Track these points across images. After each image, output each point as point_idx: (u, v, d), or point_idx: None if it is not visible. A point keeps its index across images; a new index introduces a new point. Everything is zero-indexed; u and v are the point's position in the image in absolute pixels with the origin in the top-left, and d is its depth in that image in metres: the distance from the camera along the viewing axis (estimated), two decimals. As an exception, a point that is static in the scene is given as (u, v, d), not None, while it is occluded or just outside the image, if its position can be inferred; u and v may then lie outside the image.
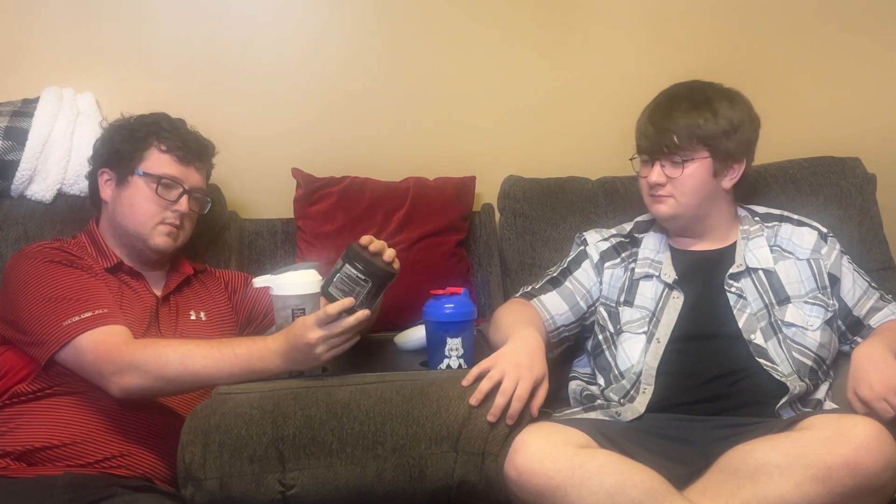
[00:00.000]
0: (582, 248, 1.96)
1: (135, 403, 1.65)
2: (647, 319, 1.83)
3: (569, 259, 1.97)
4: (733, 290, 1.82)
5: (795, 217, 1.95)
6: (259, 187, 2.29)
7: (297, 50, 2.33)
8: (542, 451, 1.46)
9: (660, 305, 1.84)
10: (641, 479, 1.42)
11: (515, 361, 1.55)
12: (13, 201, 2.05)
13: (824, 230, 1.92)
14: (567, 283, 1.92)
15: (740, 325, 1.78)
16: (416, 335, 1.83)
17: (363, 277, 1.56)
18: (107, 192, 1.82)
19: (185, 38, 2.26)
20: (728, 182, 1.86)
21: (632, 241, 1.95)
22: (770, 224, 1.92)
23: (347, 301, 1.53)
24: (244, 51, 2.30)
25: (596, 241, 1.96)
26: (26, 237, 1.99)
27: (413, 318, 1.85)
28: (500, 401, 1.50)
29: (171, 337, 1.75)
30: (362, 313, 1.53)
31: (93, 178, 1.86)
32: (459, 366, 1.65)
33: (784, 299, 1.81)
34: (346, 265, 1.56)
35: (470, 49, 2.38)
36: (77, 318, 1.60)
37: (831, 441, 1.42)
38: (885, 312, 1.88)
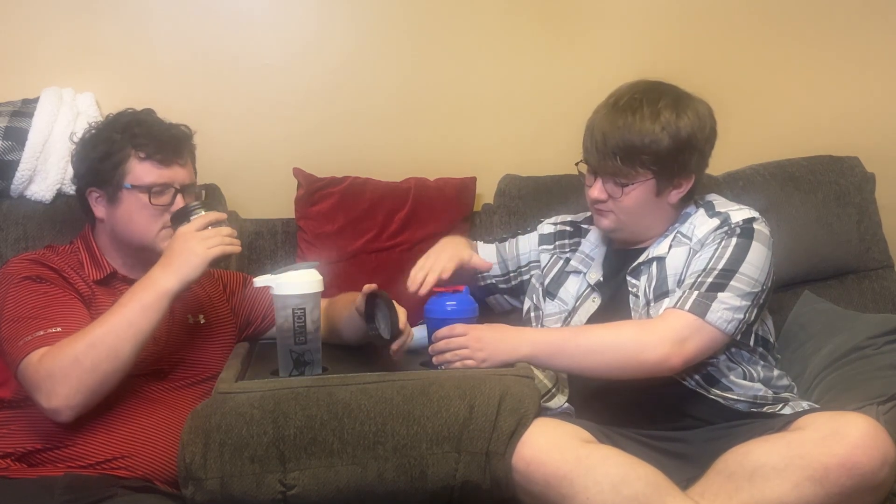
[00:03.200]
0: (537, 224, 2.02)
1: (135, 404, 1.66)
2: (564, 316, 1.84)
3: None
4: (632, 288, 1.78)
5: (732, 210, 1.78)
6: (259, 187, 2.29)
7: (298, 50, 2.33)
8: (549, 443, 1.47)
9: (577, 303, 1.84)
10: (645, 473, 1.44)
11: (439, 249, 1.82)
12: (13, 201, 2.05)
13: (735, 221, 1.74)
14: (506, 244, 2.00)
15: None
16: (417, 335, 1.83)
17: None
18: (100, 210, 1.79)
19: (185, 38, 2.26)
20: (675, 197, 1.77)
21: (577, 231, 1.95)
22: (708, 211, 1.80)
23: (216, 215, 1.65)
24: (245, 50, 2.30)
25: (546, 222, 2.00)
26: (26, 237, 1.99)
27: (414, 318, 1.85)
28: (417, 273, 1.76)
29: (164, 342, 1.74)
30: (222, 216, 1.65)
31: (82, 197, 1.82)
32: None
33: (662, 294, 1.74)
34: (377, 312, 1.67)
35: (471, 49, 2.38)
36: (29, 338, 1.57)
37: (827, 441, 1.42)
38: (675, 297, 1.70)
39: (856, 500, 1.43)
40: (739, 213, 1.76)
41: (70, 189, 2.05)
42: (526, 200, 2.22)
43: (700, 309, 1.64)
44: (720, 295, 1.65)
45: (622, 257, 1.83)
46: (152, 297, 1.57)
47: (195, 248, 1.58)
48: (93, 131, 1.82)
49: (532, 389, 1.56)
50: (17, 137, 2.02)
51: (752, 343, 1.74)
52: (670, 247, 1.77)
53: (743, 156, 2.41)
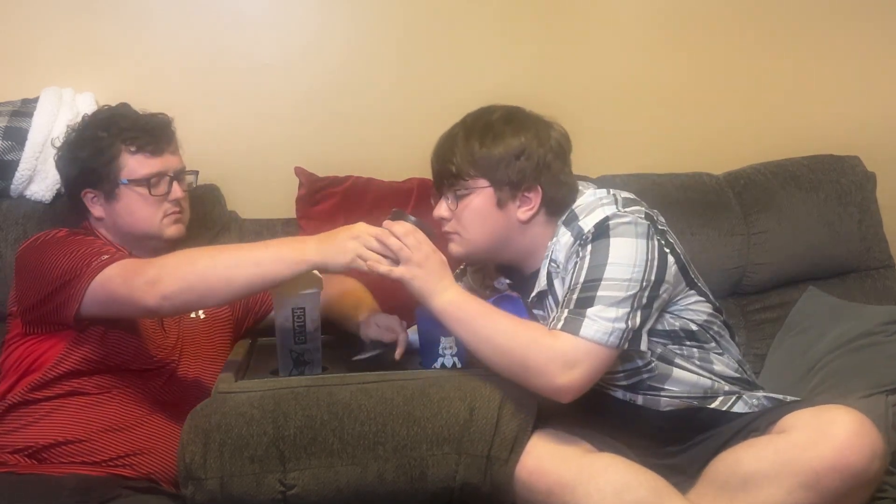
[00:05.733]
0: None
1: (139, 403, 1.67)
2: None
3: None
4: (541, 321, 1.66)
5: (586, 217, 1.63)
6: (260, 187, 2.29)
7: (299, 49, 2.33)
8: (552, 453, 1.48)
9: None
10: (647, 479, 1.45)
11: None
12: (13, 201, 2.05)
13: (587, 230, 1.59)
14: (466, 277, 1.93)
15: None
16: (415, 335, 1.83)
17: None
18: (98, 209, 1.81)
19: (185, 38, 2.26)
20: (524, 213, 1.65)
21: None
22: (569, 224, 1.66)
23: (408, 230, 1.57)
24: (245, 50, 2.29)
25: None
26: (26, 237, 1.97)
27: (413, 320, 1.85)
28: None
29: (175, 335, 1.77)
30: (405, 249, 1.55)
31: (76, 200, 1.83)
32: (454, 364, 1.65)
33: None
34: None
35: (473, 48, 2.38)
36: (106, 257, 1.60)
37: (814, 444, 1.41)
38: (550, 320, 1.57)
39: (850, 497, 1.42)
40: (591, 218, 1.61)
41: (70, 189, 2.05)
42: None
43: (573, 326, 1.50)
44: (589, 311, 1.51)
45: (521, 280, 1.75)
46: (291, 255, 1.52)
47: (350, 250, 1.52)
48: (74, 134, 1.84)
49: (532, 394, 1.56)
50: (17, 137, 2.01)
51: (669, 341, 1.65)
52: (549, 277, 1.66)
53: (744, 155, 2.41)
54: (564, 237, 1.64)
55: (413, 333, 1.79)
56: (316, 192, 2.19)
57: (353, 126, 2.34)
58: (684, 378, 1.64)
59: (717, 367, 1.68)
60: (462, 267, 1.96)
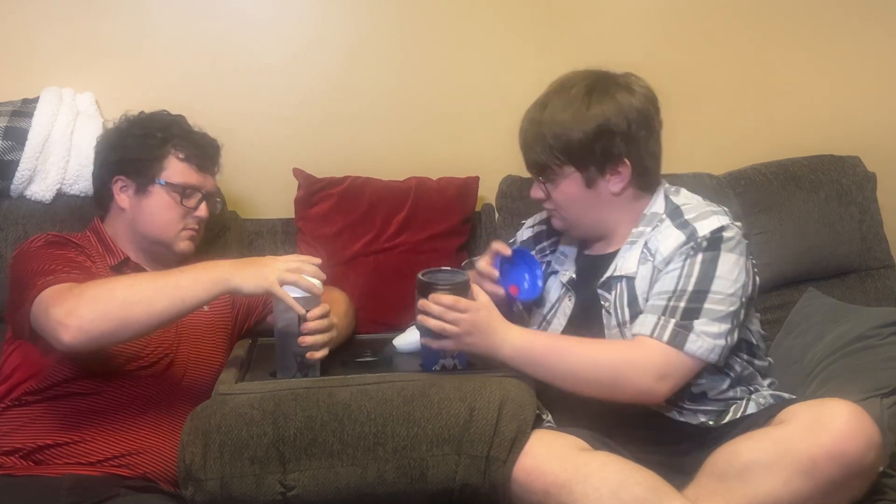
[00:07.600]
0: (517, 232, 1.97)
1: (137, 402, 1.67)
2: (539, 321, 1.80)
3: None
4: (604, 303, 1.71)
5: (700, 220, 1.66)
6: (259, 187, 2.29)
7: (299, 49, 2.33)
8: (549, 453, 1.48)
9: (554, 308, 1.79)
10: (644, 478, 1.45)
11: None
12: (13, 201, 2.05)
13: (702, 235, 1.61)
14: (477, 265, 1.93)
15: None
16: (415, 336, 1.83)
17: None
18: (124, 200, 1.82)
19: (185, 38, 2.26)
20: (616, 186, 1.67)
21: (554, 229, 1.85)
22: (675, 220, 1.68)
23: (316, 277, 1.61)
24: (245, 50, 2.29)
25: (525, 227, 1.95)
26: (26, 237, 1.97)
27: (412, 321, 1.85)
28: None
29: (174, 331, 1.77)
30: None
31: (104, 184, 1.84)
32: (454, 366, 1.65)
33: (635, 314, 1.65)
34: None
35: (473, 48, 2.38)
36: (51, 277, 1.59)
37: (811, 433, 1.42)
38: (649, 322, 1.60)
39: (846, 487, 1.44)
40: (707, 223, 1.64)
41: (70, 189, 2.06)
42: (528, 202, 2.20)
43: (679, 340, 1.56)
44: (696, 323, 1.56)
45: (592, 262, 1.77)
46: (208, 276, 1.56)
47: (270, 272, 1.56)
48: (126, 123, 1.86)
49: (531, 395, 1.57)
50: (17, 137, 2.01)
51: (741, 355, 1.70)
52: (638, 264, 1.67)
53: (744, 155, 2.41)
54: (670, 231, 1.66)
55: (413, 332, 1.79)
56: (313, 194, 2.18)
57: (353, 126, 2.34)
58: (722, 393, 1.67)
59: (756, 380, 1.73)
60: (469, 260, 1.99)
